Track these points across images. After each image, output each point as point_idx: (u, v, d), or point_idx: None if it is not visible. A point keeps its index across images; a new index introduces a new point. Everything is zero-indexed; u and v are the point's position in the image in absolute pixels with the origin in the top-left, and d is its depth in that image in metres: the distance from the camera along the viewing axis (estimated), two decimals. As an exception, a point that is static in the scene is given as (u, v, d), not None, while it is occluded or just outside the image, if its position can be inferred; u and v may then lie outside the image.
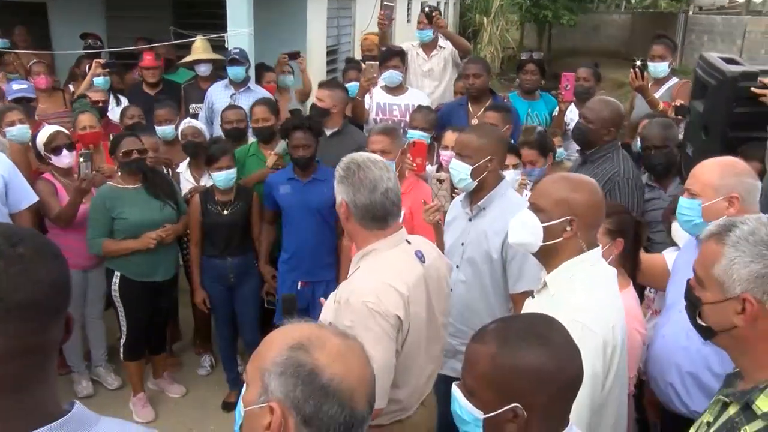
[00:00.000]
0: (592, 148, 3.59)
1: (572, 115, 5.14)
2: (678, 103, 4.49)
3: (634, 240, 2.78)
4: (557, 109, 5.20)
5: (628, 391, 2.47)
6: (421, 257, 2.34)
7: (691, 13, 21.29)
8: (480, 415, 1.43)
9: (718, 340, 1.64)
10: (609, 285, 2.09)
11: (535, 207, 2.13)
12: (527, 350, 1.40)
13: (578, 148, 4.02)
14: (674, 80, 5.03)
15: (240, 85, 5.42)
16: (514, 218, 2.20)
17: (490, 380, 1.42)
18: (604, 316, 1.94)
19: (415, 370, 2.33)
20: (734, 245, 1.56)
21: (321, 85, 4.75)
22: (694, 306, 1.67)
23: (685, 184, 2.59)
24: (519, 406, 1.38)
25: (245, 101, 5.14)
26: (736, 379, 1.67)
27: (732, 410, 1.56)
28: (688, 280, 1.71)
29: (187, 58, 5.95)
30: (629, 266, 2.77)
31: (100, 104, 5.28)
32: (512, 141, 3.95)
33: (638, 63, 4.77)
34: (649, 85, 4.87)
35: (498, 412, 1.40)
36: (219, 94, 5.45)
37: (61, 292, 1.06)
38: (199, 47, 5.89)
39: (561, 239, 2.06)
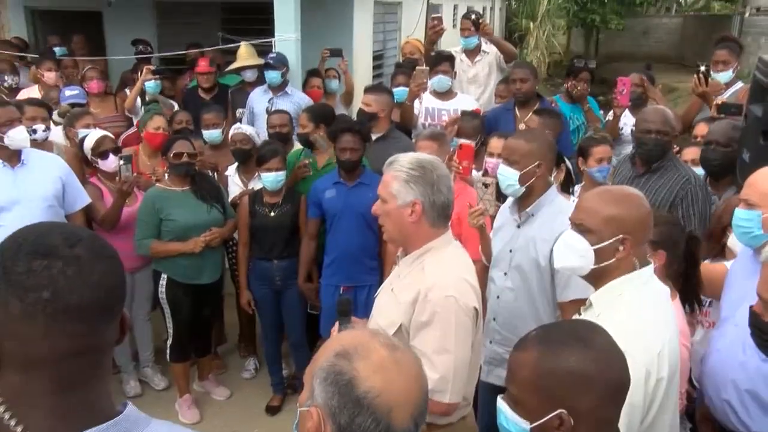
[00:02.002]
0: (659, 160, 3.53)
1: (625, 119, 5.05)
2: (720, 101, 4.32)
3: (690, 256, 2.63)
4: (611, 113, 5.11)
5: (680, 407, 2.39)
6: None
7: (747, 14, 20.65)
8: (526, 425, 1.41)
9: None
10: (660, 305, 1.96)
11: (581, 228, 2.00)
12: (569, 353, 1.37)
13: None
14: (739, 84, 4.80)
15: (278, 89, 5.47)
16: (557, 242, 2.10)
17: (534, 387, 1.39)
18: (649, 343, 1.82)
19: (476, 364, 2.34)
20: None
21: (367, 90, 4.77)
22: (764, 333, 1.58)
23: (741, 194, 2.49)
24: (564, 411, 1.35)
25: (283, 105, 5.21)
26: None
27: None
28: (752, 307, 1.63)
29: (232, 65, 6.06)
30: (682, 282, 2.64)
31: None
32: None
33: (702, 68, 4.62)
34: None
35: (544, 420, 1.37)
36: (258, 99, 5.54)
37: (116, 294, 1.07)
38: (244, 53, 5.98)
39: (613, 260, 1.95)
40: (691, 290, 2.65)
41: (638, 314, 1.89)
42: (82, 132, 4.48)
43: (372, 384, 1.15)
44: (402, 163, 2.21)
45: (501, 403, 1.48)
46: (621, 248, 1.93)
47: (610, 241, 1.93)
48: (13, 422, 1.00)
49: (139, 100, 5.72)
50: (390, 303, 2.25)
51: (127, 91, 6.02)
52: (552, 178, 3.04)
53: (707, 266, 2.83)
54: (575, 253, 2.02)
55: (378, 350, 1.21)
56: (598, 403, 1.36)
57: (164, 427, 1.13)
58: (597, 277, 2.01)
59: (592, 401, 1.35)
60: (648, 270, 1.99)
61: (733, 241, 2.81)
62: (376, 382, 1.16)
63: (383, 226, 2.30)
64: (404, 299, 2.16)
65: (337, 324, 2.13)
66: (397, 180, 2.19)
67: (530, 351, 1.42)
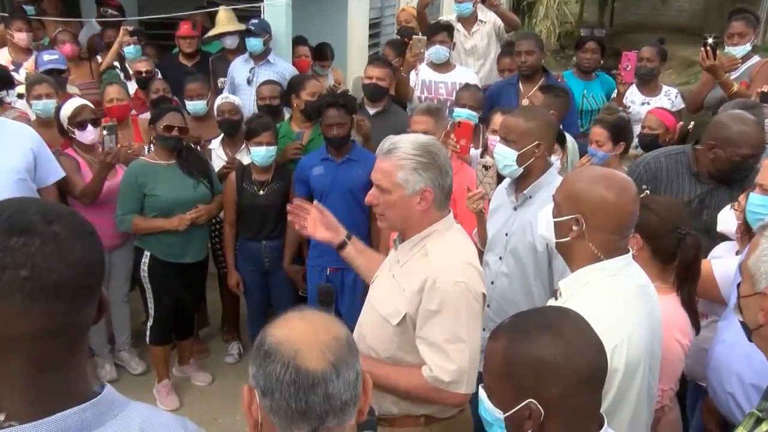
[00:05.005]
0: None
1: (632, 97, 5.01)
2: (765, 89, 4.27)
3: (693, 256, 2.47)
4: (615, 90, 5.08)
5: (662, 404, 2.39)
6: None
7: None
8: (500, 414, 1.44)
9: (755, 339, 1.59)
10: (629, 297, 1.95)
11: (553, 199, 2.09)
12: (535, 342, 1.40)
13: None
14: (755, 59, 4.73)
15: (259, 58, 5.39)
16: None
17: (503, 376, 1.43)
18: (604, 334, 1.72)
19: (479, 353, 2.36)
20: None
21: (374, 63, 4.73)
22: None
23: (758, 179, 2.49)
24: (534, 401, 1.38)
25: (265, 75, 5.15)
26: None
27: (765, 427, 1.54)
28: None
29: (211, 32, 5.91)
30: (678, 282, 2.53)
31: (143, 75, 5.30)
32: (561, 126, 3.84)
33: (710, 41, 4.59)
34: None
35: (515, 410, 1.41)
36: (239, 69, 5.47)
37: (95, 272, 1.10)
38: (223, 18, 5.80)
39: (568, 239, 2.00)
40: (688, 294, 2.51)
41: (598, 305, 1.88)
42: (35, 103, 4.41)
43: (275, 337, 1.24)
44: (406, 149, 2.17)
45: (481, 392, 1.51)
46: (575, 228, 1.98)
47: (565, 217, 2.00)
48: None
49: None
50: (393, 291, 2.25)
51: (99, 57, 5.94)
52: (552, 159, 3.05)
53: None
54: (544, 223, 2.11)
55: (294, 319, 1.29)
56: (567, 391, 1.38)
57: (144, 410, 1.17)
58: (564, 255, 2.09)
59: (561, 390, 1.38)
60: (618, 261, 1.98)
61: (721, 217, 2.80)
62: (278, 333, 1.25)
63: (382, 215, 2.28)
64: (409, 287, 2.16)
65: None
66: (404, 169, 2.16)
67: (500, 340, 1.45)
